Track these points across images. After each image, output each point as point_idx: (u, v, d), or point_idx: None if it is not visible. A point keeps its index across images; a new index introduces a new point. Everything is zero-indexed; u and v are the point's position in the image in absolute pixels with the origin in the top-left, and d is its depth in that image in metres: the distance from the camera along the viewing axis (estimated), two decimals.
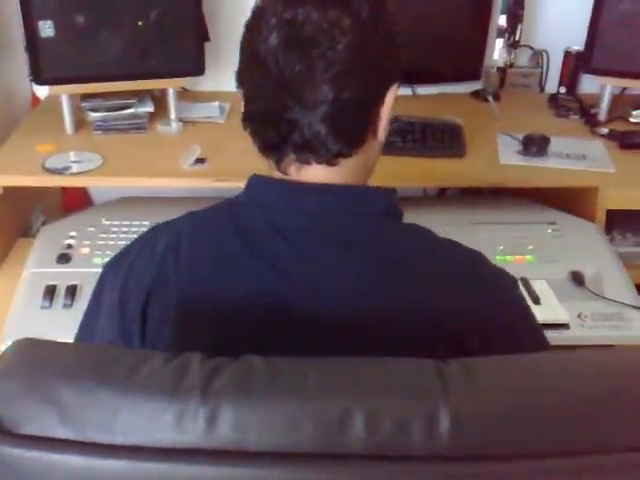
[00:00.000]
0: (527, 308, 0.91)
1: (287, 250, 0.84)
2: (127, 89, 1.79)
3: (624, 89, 2.02)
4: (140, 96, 1.84)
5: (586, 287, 1.46)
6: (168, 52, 1.76)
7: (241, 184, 1.61)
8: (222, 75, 2.06)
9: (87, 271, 1.47)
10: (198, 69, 1.81)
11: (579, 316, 1.39)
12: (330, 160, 0.86)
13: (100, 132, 1.79)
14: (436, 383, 0.59)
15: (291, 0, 0.83)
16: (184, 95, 1.96)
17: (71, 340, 1.32)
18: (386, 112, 0.88)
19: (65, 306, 1.40)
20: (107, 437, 0.59)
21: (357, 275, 0.83)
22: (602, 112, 1.92)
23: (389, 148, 1.46)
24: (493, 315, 0.84)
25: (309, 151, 0.85)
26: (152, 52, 1.75)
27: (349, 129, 0.85)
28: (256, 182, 0.91)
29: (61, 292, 1.42)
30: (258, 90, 0.85)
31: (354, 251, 0.84)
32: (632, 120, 1.90)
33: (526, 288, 1.46)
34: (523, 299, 0.93)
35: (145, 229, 1.56)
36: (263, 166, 1.73)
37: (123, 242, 1.51)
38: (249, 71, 0.87)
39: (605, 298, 1.43)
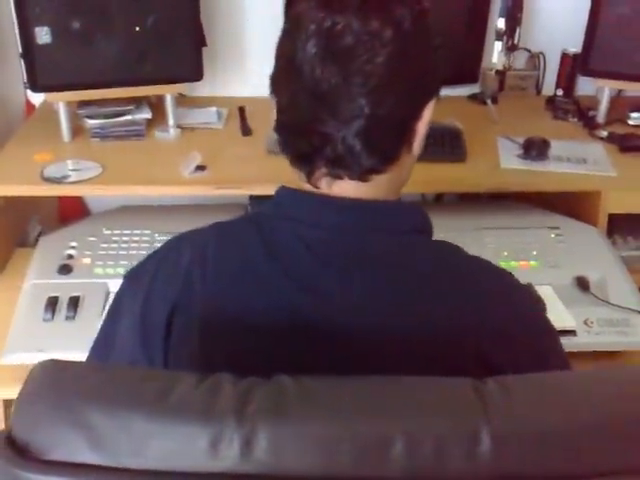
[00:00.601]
0: (551, 326, 0.90)
1: (311, 263, 0.83)
2: (124, 95, 1.77)
3: (620, 91, 2.02)
4: (137, 102, 1.82)
5: (591, 292, 1.46)
6: (165, 58, 1.74)
7: (243, 192, 1.62)
8: (219, 80, 2.05)
9: (89, 282, 1.46)
10: (196, 75, 1.79)
11: (585, 322, 1.39)
12: (362, 176, 0.84)
13: (98, 139, 1.76)
14: (475, 402, 0.58)
15: (332, 7, 0.80)
16: (180, 101, 1.94)
17: (75, 353, 1.30)
18: (422, 127, 0.86)
19: (68, 318, 1.38)
20: (139, 462, 0.58)
21: (376, 290, 0.82)
22: (600, 115, 1.92)
23: None
24: (518, 332, 0.83)
25: (341, 166, 0.83)
26: (149, 58, 1.73)
27: (384, 145, 0.84)
28: (284, 194, 0.90)
29: (63, 304, 1.40)
30: (292, 99, 0.84)
31: (377, 267, 0.83)
32: (630, 122, 1.90)
33: None
34: (547, 318, 0.91)
35: (147, 238, 1.57)
36: (264, 173, 1.73)
37: (124, 252, 1.51)
38: (284, 79, 0.85)
39: (610, 304, 1.42)
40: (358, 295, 0.82)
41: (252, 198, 1.64)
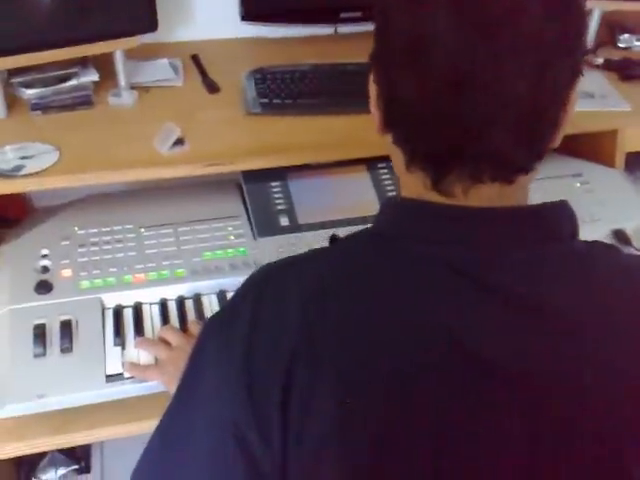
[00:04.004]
0: None
1: (469, 294, 0.66)
2: (66, 57, 1.46)
3: None
4: (81, 63, 1.52)
5: (634, 246, 1.36)
6: (112, 6, 1.44)
7: (235, 167, 1.38)
8: (160, 22, 1.74)
9: (78, 300, 1.21)
10: (150, 24, 1.50)
11: None
12: (510, 176, 0.68)
13: (39, 112, 1.46)
14: None
15: None
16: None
17: (82, 393, 1.09)
18: (567, 116, 0.70)
19: (64, 350, 1.13)
20: None
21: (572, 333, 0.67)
22: (589, 38, 1.78)
23: None
24: None
25: (486, 166, 0.67)
26: (93, 8, 1.42)
27: (539, 137, 0.68)
28: (411, 208, 0.72)
29: (54, 332, 1.15)
30: (419, 88, 0.65)
31: (563, 293, 0.68)
32: (620, 45, 1.78)
33: None
34: None
35: (132, 235, 1.32)
36: (252, 141, 1.49)
37: (109, 256, 1.27)
38: (402, 63, 0.66)
39: None
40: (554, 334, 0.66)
41: (245, 173, 1.41)
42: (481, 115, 0.64)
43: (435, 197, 0.70)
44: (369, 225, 0.75)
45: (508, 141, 0.65)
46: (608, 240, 1.38)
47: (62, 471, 1.86)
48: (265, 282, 0.74)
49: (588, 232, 1.35)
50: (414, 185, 0.72)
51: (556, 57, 0.65)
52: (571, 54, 0.66)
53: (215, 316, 0.77)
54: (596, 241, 0.77)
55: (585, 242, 0.75)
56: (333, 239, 0.94)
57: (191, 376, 0.75)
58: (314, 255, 0.75)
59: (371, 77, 0.73)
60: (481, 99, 0.64)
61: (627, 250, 1.36)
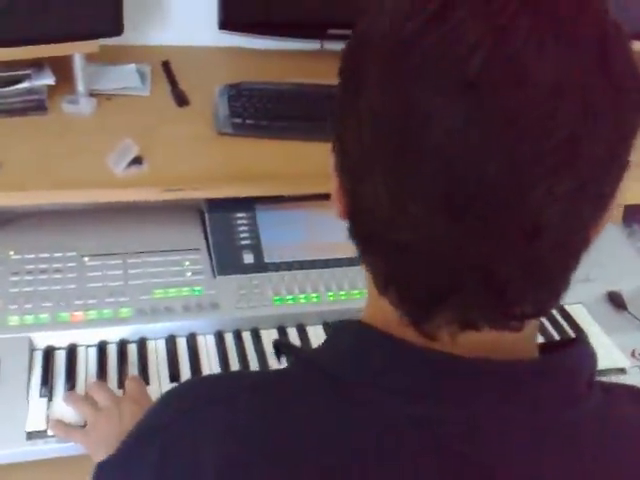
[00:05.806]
0: None
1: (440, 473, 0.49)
2: (17, 57, 1.31)
3: None
4: (36, 66, 1.37)
5: (629, 312, 1.24)
6: (73, 5, 1.30)
7: (199, 194, 1.24)
8: (130, 23, 1.58)
9: (3, 338, 1.06)
10: (115, 27, 1.36)
11: (633, 354, 1.17)
12: (516, 324, 0.50)
13: None
14: None
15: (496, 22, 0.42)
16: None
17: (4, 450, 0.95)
18: (603, 226, 0.52)
19: None
20: None
21: None
22: None
23: None
24: None
25: (484, 312, 0.49)
26: (52, 6, 1.28)
27: (560, 276, 0.50)
28: (383, 346, 0.53)
29: None
30: (393, 204, 0.46)
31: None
32: None
33: (565, 319, 1.23)
34: None
35: (73, 264, 1.17)
36: (221, 165, 1.35)
37: (46, 287, 1.12)
38: (372, 166, 0.47)
39: None
40: None
41: (209, 201, 1.27)
42: (484, 254, 0.46)
43: (413, 337, 0.51)
44: (316, 349, 0.58)
45: (518, 283, 0.47)
46: (602, 303, 1.26)
47: None
48: (177, 422, 0.56)
49: (582, 293, 1.25)
50: (386, 313, 0.53)
51: (603, 170, 0.46)
52: (621, 158, 0.48)
53: (111, 458, 0.60)
54: (620, 389, 0.59)
55: (604, 395, 0.55)
56: (278, 346, 0.76)
57: None
58: (249, 391, 0.56)
59: (331, 161, 0.54)
60: (487, 231, 0.45)
61: (623, 317, 1.24)
